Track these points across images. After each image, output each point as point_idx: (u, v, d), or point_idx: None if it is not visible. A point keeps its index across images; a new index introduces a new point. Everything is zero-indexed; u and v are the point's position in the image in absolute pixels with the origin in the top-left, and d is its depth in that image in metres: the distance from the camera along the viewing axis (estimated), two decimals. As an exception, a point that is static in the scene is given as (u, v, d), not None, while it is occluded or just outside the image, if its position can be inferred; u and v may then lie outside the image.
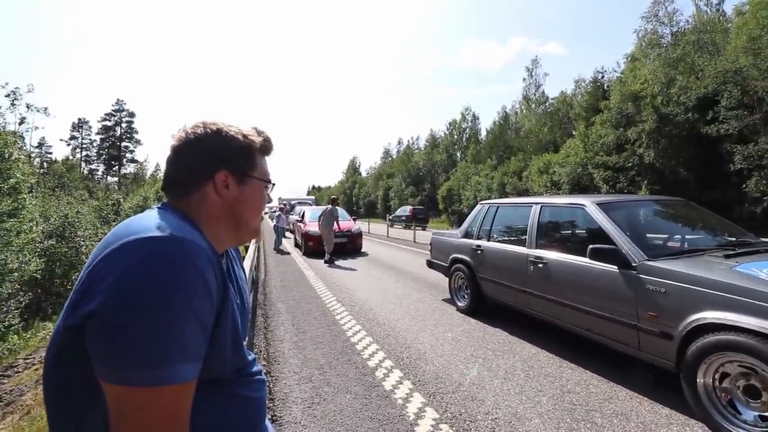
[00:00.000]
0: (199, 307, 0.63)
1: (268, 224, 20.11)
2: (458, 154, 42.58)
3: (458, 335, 4.10)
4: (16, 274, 9.92)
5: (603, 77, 23.72)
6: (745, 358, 2.12)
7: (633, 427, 2.39)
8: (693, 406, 2.38)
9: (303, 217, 12.26)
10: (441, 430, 2.43)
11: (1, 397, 5.06)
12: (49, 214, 15.69)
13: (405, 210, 26.91)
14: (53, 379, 0.67)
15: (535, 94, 32.23)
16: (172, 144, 0.81)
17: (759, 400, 2.14)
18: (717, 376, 2.29)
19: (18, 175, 11.05)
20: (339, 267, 8.79)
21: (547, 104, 31.26)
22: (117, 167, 58.66)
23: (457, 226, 7.89)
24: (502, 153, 31.43)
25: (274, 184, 0.92)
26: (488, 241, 4.69)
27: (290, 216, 16.60)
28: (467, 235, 5.08)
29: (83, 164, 56.97)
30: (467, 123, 43.16)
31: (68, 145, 57.25)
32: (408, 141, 54.60)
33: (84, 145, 58.14)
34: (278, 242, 12.28)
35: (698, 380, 2.33)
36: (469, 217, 5.29)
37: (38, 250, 12.09)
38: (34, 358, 6.75)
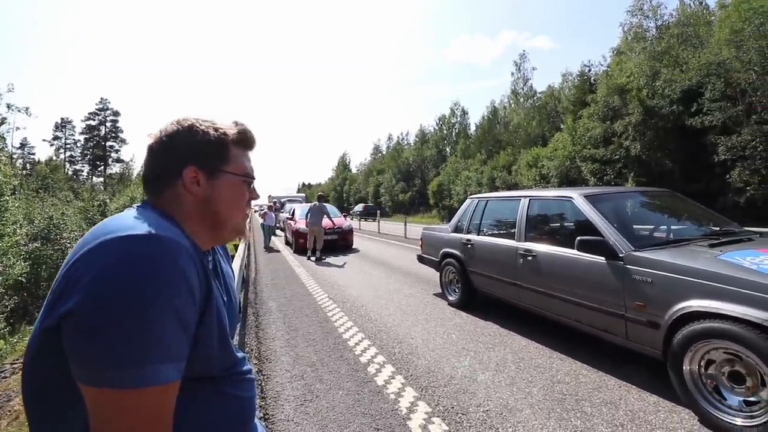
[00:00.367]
0: (180, 306, 0.62)
1: (257, 222, 19.98)
2: (448, 149, 42.59)
3: (450, 329, 4.13)
4: (0, 278, 9.72)
5: (590, 71, 23.83)
6: (730, 344, 2.16)
7: (622, 415, 2.42)
8: (680, 393, 2.42)
9: (293, 214, 12.16)
10: (433, 423, 2.44)
11: (-12, 403, 4.95)
12: (34, 216, 15.31)
13: (359, 207, 36.55)
14: (32, 382, 0.65)
15: (523, 89, 32.28)
16: (148, 143, 0.81)
17: (743, 386, 2.19)
18: (703, 363, 2.33)
19: (0, 177, 10.82)
20: (330, 264, 8.76)
21: (535, 98, 31.34)
22: (102, 167, 57.56)
23: (448, 221, 7.91)
24: (492, 147, 31.60)
25: (253, 179, 0.88)
26: (478, 235, 4.72)
27: (280, 214, 16.51)
28: (457, 229, 5.10)
29: (67, 165, 55.66)
30: (456, 118, 43.13)
31: (51, 145, 55.80)
32: (398, 137, 54.34)
33: (68, 146, 56.76)
34: (267, 240, 12.18)
35: (684, 368, 2.37)
36: (458, 211, 5.31)
37: (23, 253, 11.83)
38: (21, 362, 6.64)
